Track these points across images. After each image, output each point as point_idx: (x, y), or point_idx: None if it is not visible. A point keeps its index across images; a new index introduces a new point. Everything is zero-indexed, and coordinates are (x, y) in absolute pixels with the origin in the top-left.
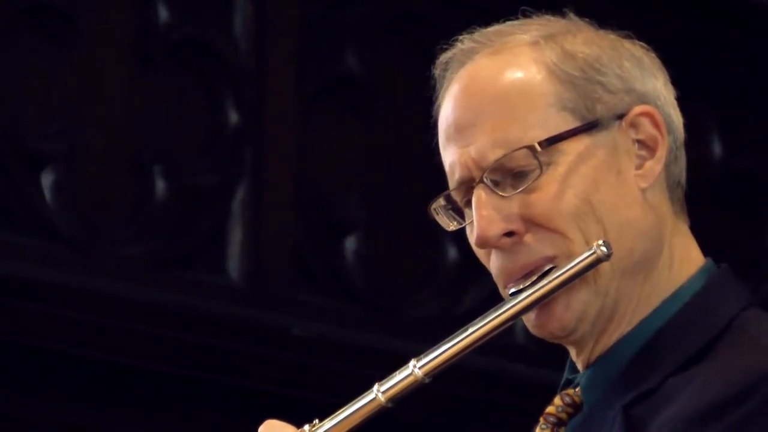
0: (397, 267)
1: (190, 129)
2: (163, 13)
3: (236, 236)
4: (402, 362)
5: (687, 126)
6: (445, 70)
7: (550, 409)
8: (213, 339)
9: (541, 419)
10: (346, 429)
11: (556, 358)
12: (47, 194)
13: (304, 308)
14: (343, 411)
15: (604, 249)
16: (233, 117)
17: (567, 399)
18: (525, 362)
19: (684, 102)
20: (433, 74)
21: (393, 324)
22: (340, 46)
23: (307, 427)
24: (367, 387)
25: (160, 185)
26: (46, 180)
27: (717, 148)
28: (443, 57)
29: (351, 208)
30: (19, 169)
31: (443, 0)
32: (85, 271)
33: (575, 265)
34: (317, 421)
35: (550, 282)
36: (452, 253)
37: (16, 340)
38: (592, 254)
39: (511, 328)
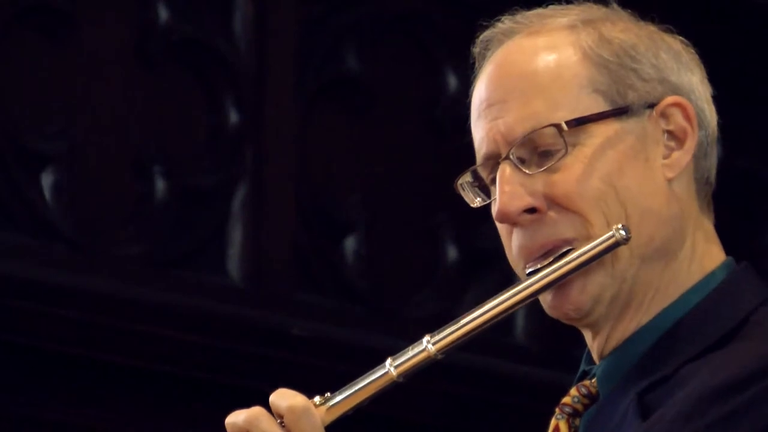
0: (397, 267)
1: (190, 129)
2: (163, 13)
3: (236, 236)
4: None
5: None
6: (485, 49)
7: (566, 399)
8: (213, 339)
9: (557, 410)
10: (357, 402)
11: (556, 358)
12: (47, 194)
13: (304, 308)
14: (354, 384)
15: (623, 232)
16: (233, 117)
17: (583, 390)
18: (525, 362)
19: None
20: (473, 52)
21: (393, 324)
22: (340, 46)
23: (317, 398)
24: None
25: (160, 185)
26: (46, 180)
27: (717, 149)
28: (483, 36)
29: (351, 208)
30: (19, 169)
31: (443, 0)
32: (85, 271)
33: (593, 248)
34: (329, 393)
35: (567, 263)
36: (452, 253)
37: (16, 340)
38: (610, 237)
39: (511, 328)
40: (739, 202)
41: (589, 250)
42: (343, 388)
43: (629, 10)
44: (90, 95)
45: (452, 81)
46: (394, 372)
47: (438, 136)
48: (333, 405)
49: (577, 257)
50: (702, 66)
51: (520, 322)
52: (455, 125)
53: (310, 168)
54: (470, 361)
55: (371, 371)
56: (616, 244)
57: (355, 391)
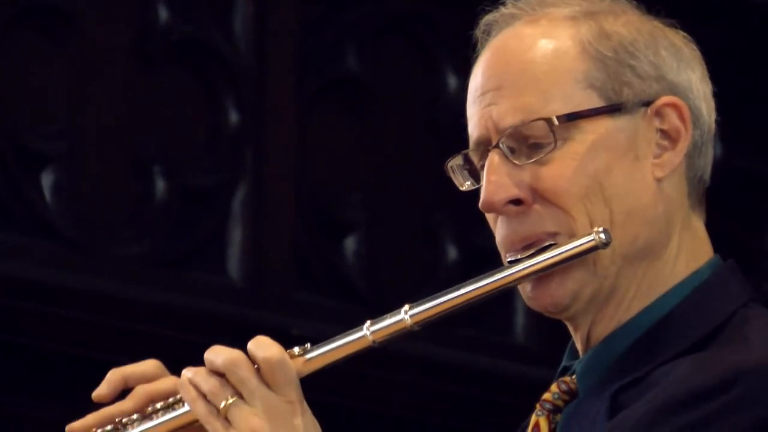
0: (397, 267)
1: (190, 129)
2: (163, 13)
3: (236, 236)
4: (402, 362)
5: None
6: (486, 33)
7: (546, 395)
8: (213, 339)
9: (537, 405)
10: (334, 359)
11: (556, 358)
12: (47, 194)
13: (304, 308)
14: (332, 341)
15: (603, 236)
16: (233, 117)
17: (563, 386)
18: (525, 362)
19: None
20: (475, 34)
21: None
22: (340, 46)
23: (296, 348)
24: (367, 387)
25: (160, 185)
26: (46, 180)
27: (717, 149)
28: (486, 19)
29: (351, 208)
30: (19, 169)
31: (443, 0)
32: (85, 271)
33: (573, 248)
34: (308, 345)
35: (546, 259)
36: (452, 253)
37: (16, 340)
38: (590, 240)
39: (511, 327)
40: (739, 202)
41: (568, 250)
42: (322, 343)
43: (635, 2)
44: (90, 95)
45: (452, 81)
46: (370, 336)
47: (438, 136)
48: (310, 358)
49: (556, 255)
50: (703, 63)
51: (520, 321)
52: (455, 125)
53: (310, 168)
54: (470, 361)
55: (349, 331)
56: (595, 248)
57: (333, 349)
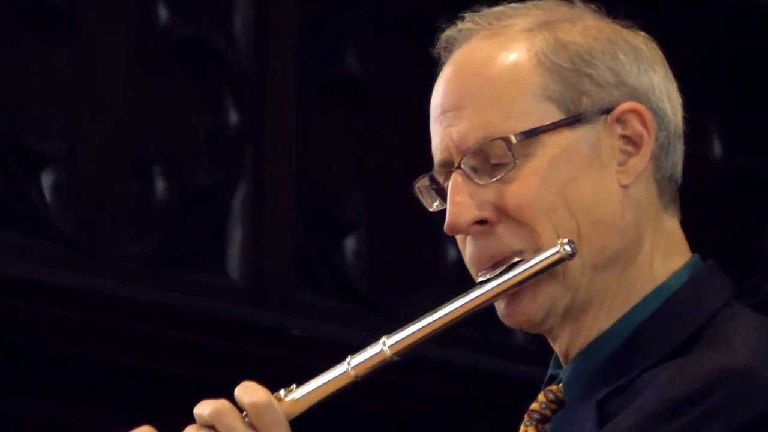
0: (397, 267)
1: (190, 129)
2: (163, 13)
3: (236, 236)
4: (402, 362)
5: (687, 126)
6: (446, 50)
7: (534, 405)
8: (213, 339)
9: (526, 416)
10: (320, 398)
11: None
12: (47, 194)
13: (304, 308)
14: (316, 380)
15: (568, 248)
16: (233, 117)
17: (550, 395)
18: (525, 362)
19: (684, 102)
20: (435, 50)
21: (393, 324)
22: (340, 46)
23: (282, 391)
24: (367, 387)
25: (160, 185)
26: (46, 180)
27: (717, 148)
28: (445, 34)
29: (351, 208)
30: (19, 169)
31: (443, 0)
32: (85, 271)
33: (539, 262)
34: (294, 386)
35: (514, 276)
36: (452, 253)
37: (16, 340)
38: (555, 252)
39: (512, 328)
40: (739, 202)
41: (534, 264)
42: (307, 383)
43: (594, 5)
44: (90, 95)
45: None
46: (352, 372)
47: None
48: (296, 399)
49: (523, 270)
50: (665, 62)
51: None
52: None
53: (310, 168)
54: (470, 361)
55: (332, 369)
56: (560, 260)
57: (317, 388)
